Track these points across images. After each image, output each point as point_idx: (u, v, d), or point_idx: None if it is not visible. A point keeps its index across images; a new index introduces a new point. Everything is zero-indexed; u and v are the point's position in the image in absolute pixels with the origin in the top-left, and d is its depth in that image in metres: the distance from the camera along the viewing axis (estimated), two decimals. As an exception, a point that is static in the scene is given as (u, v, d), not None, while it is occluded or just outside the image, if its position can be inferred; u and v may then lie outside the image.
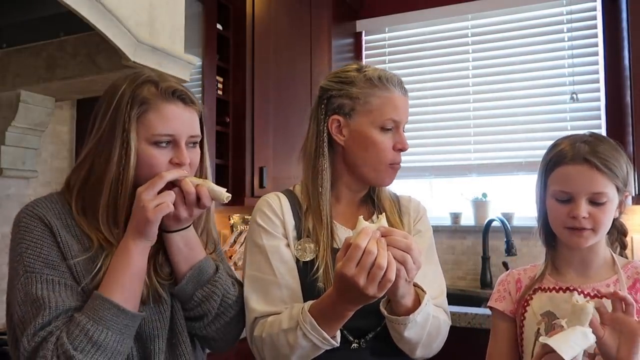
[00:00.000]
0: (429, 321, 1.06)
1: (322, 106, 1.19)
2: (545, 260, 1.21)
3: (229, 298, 1.11)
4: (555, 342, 0.90)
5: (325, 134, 1.18)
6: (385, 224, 0.96)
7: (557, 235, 1.16)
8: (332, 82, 1.19)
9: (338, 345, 1.02)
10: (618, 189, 1.10)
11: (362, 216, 0.97)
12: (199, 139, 1.09)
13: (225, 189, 1.03)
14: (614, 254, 1.17)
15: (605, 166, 1.07)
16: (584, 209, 1.07)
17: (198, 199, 1.01)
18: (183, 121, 1.04)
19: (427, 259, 1.17)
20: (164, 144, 1.03)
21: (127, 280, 0.96)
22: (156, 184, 0.97)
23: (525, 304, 1.17)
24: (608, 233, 1.17)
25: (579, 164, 1.09)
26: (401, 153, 1.18)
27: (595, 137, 1.14)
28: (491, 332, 1.24)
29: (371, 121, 1.14)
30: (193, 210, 1.02)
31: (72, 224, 1.01)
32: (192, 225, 1.08)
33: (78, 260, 0.98)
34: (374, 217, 1.02)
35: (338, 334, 1.02)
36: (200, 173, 1.11)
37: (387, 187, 1.26)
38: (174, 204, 0.98)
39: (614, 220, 1.16)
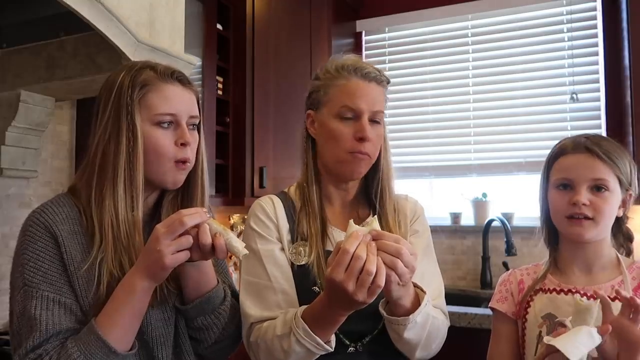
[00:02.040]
0: (429, 322, 1.05)
1: (306, 104, 1.22)
2: (548, 260, 1.20)
3: (230, 328, 1.10)
4: (560, 343, 0.89)
5: (305, 129, 1.21)
6: (377, 227, 0.94)
7: (559, 229, 1.16)
8: (312, 80, 1.22)
9: (332, 350, 1.01)
10: (620, 183, 1.10)
11: (352, 220, 0.96)
12: (198, 121, 1.10)
13: (244, 245, 0.97)
14: (618, 254, 1.16)
15: (605, 155, 1.09)
16: (584, 195, 1.08)
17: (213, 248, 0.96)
18: (183, 101, 1.06)
19: (424, 260, 1.16)
20: (166, 125, 1.03)
21: (126, 321, 0.94)
22: (176, 229, 0.91)
23: (527, 305, 1.16)
24: (614, 237, 1.16)
25: (579, 153, 1.11)
26: (365, 144, 1.11)
27: (598, 136, 1.16)
28: (492, 334, 1.23)
29: (329, 111, 1.14)
30: (207, 256, 0.98)
31: (79, 231, 1.01)
32: None
33: (81, 274, 0.98)
34: (369, 218, 1.02)
35: (333, 338, 1.02)
36: (197, 159, 1.10)
37: (391, 188, 1.22)
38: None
39: (621, 224, 1.16)
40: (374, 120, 1.13)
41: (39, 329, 0.92)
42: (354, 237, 0.90)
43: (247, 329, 1.10)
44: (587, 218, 1.08)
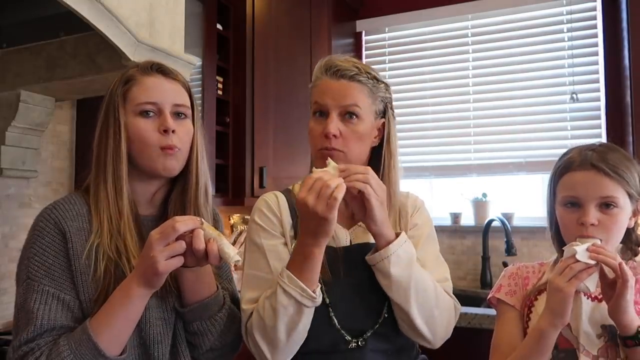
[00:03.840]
0: (415, 263, 1.08)
1: None
2: (554, 260, 1.19)
3: (227, 336, 1.11)
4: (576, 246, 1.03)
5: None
6: (336, 166, 1.04)
7: None
8: None
9: (317, 300, 1.04)
10: (630, 196, 1.08)
11: (314, 167, 1.05)
12: (185, 110, 1.11)
13: (237, 251, 0.98)
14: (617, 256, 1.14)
15: (613, 171, 1.06)
16: (592, 215, 1.06)
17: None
18: (164, 90, 1.08)
19: (425, 247, 1.18)
20: (149, 114, 1.07)
21: (119, 324, 0.95)
22: (169, 235, 0.92)
23: (530, 304, 1.16)
24: (623, 244, 1.15)
25: (586, 170, 1.08)
26: (332, 140, 1.12)
27: (605, 146, 1.14)
28: (498, 320, 1.21)
29: (310, 112, 1.19)
30: (201, 262, 0.98)
31: (87, 228, 1.03)
32: None
33: (82, 265, 1.00)
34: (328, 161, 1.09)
35: (318, 292, 1.04)
36: (192, 149, 1.11)
37: (395, 192, 1.21)
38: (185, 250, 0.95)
39: (631, 232, 1.14)
40: (347, 118, 1.14)
41: (34, 323, 0.94)
42: (319, 171, 1.01)
43: (246, 318, 1.11)
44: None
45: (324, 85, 1.15)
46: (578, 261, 0.99)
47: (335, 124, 1.12)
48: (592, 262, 0.99)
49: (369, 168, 1.04)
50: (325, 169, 1.03)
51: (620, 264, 0.98)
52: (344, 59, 1.17)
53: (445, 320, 1.13)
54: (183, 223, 0.93)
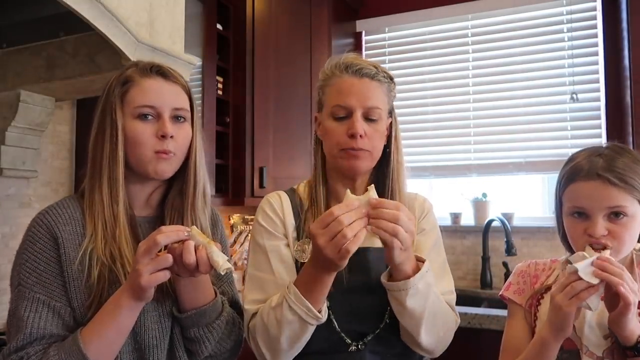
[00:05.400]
0: (432, 292, 1.06)
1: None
2: (564, 259, 1.16)
3: (226, 343, 1.10)
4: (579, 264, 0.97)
5: (314, 132, 1.24)
6: (375, 195, 0.97)
7: None
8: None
9: (323, 319, 1.03)
10: None
11: (349, 189, 1.00)
12: (185, 113, 1.09)
13: (227, 258, 0.95)
14: (635, 253, 1.12)
15: (620, 180, 1.02)
16: (601, 226, 1.03)
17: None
18: (163, 93, 1.06)
19: (432, 258, 1.16)
20: (148, 117, 1.04)
21: (109, 335, 0.94)
22: (151, 249, 0.90)
23: (537, 303, 1.14)
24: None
25: (592, 180, 1.04)
26: (359, 140, 1.10)
27: (613, 149, 1.08)
28: (507, 320, 1.20)
29: (326, 111, 1.16)
30: (194, 274, 0.97)
31: (80, 232, 1.02)
32: None
33: (74, 271, 0.99)
34: (369, 187, 1.03)
35: (324, 310, 1.03)
36: (190, 152, 1.10)
37: (402, 189, 1.20)
38: (176, 261, 0.93)
39: None
40: (370, 118, 1.13)
41: (24, 331, 0.93)
42: (345, 204, 0.94)
43: (249, 319, 1.11)
44: (606, 247, 1.04)
45: (346, 83, 1.13)
46: (581, 278, 0.95)
47: (361, 124, 1.11)
48: (595, 281, 0.94)
49: (400, 213, 0.95)
50: (359, 197, 0.96)
51: (620, 286, 0.93)
52: (359, 58, 1.17)
53: (448, 337, 1.15)
54: (165, 235, 0.91)
